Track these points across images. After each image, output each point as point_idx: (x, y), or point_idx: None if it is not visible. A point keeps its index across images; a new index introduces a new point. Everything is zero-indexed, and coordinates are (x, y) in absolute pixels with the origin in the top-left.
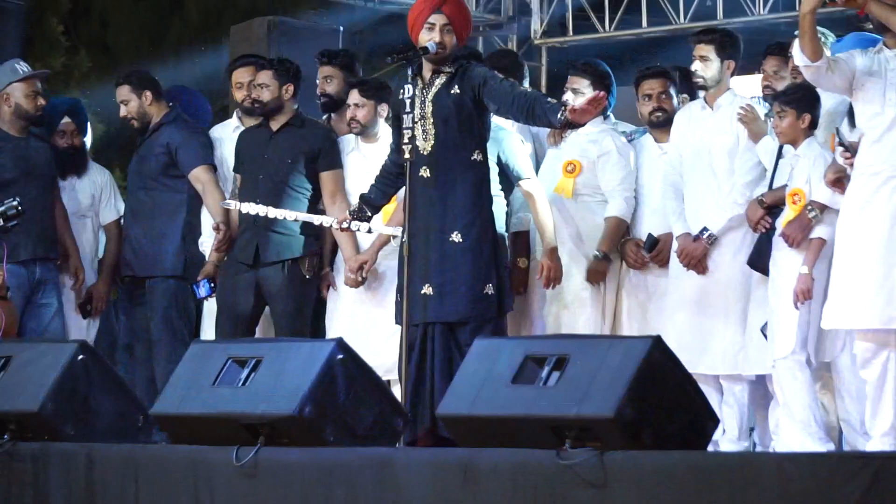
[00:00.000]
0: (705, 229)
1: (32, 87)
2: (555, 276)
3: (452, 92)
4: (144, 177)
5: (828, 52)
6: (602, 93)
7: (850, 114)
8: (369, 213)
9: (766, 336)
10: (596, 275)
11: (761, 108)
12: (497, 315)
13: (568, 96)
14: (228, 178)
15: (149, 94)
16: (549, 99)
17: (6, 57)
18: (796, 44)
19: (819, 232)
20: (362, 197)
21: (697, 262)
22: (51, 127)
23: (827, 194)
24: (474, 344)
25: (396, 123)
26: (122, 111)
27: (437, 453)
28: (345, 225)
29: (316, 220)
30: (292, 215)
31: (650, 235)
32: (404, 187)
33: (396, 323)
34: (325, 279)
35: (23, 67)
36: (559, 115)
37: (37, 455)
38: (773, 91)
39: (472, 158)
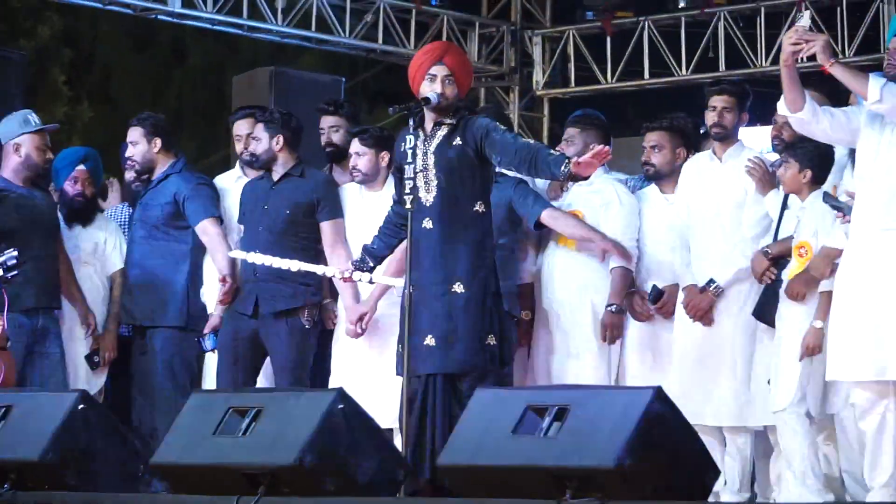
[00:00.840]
0: (712, 281)
1: (44, 140)
2: (621, 251)
3: (454, 143)
4: (148, 226)
5: (821, 107)
6: (607, 147)
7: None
8: (371, 264)
9: (652, 302)
10: (613, 328)
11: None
12: (499, 366)
13: (566, 148)
14: (232, 228)
15: (159, 141)
16: (552, 151)
17: (8, 106)
18: (781, 98)
19: (826, 286)
20: (365, 248)
21: (704, 313)
22: (52, 176)
23: (840, 240)
24: (475, 394)
25: (398, 174)
26: (128, 151)
27: None
28: (346, 275)
29: (318, 269)
30: (296, 265)
31: (654, 287)
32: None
33: (397, 374)
34: (328, 315)
35: (35, 119)
36: (563, 168)
37: None
38: (782, 140)
39: (475, 210)
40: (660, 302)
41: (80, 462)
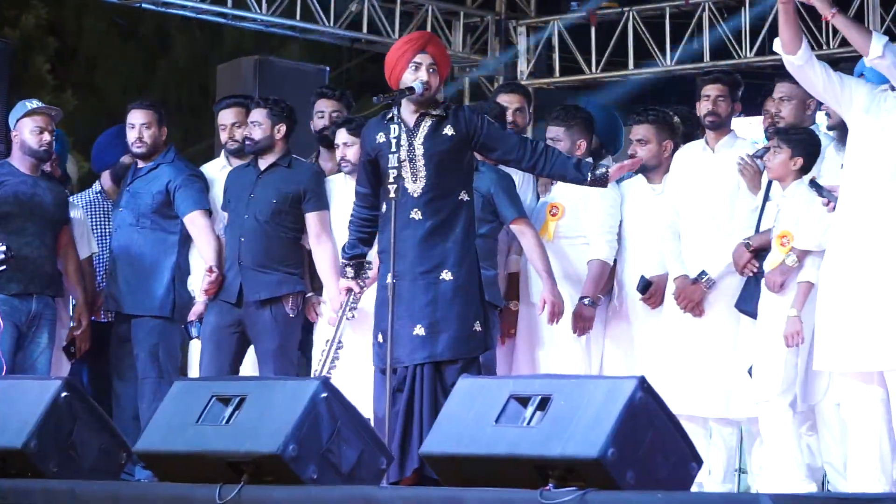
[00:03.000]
0: (704, 273)
1: (38, 123)
2: (558, 311)
3: (445, 133)
4: (136, 213)
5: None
6: (640, 159)
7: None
8: (367, 264)
9: (640, 292)
10: (582, 320)
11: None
12: (483, 351)
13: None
14: (217, 216)
15: (165, 130)
16: (571, 156)
17: None
18: (777, 37)
19: (805, 276)
20: (354, 256)
21: (695, 305)
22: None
23: (812, 240)
24: (458, 383)
25: (371, 167)
26: (137, 133)
27: (421, 492)
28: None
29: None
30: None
31: (643, 277)
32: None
33: (375, 364)
34: (310, 307)
35: (34, 104)
36: (593, 172)
37: (20, 492)
38: (776, 121)
39: (460, 198)
40: (648, 292)
41: (62, 450)
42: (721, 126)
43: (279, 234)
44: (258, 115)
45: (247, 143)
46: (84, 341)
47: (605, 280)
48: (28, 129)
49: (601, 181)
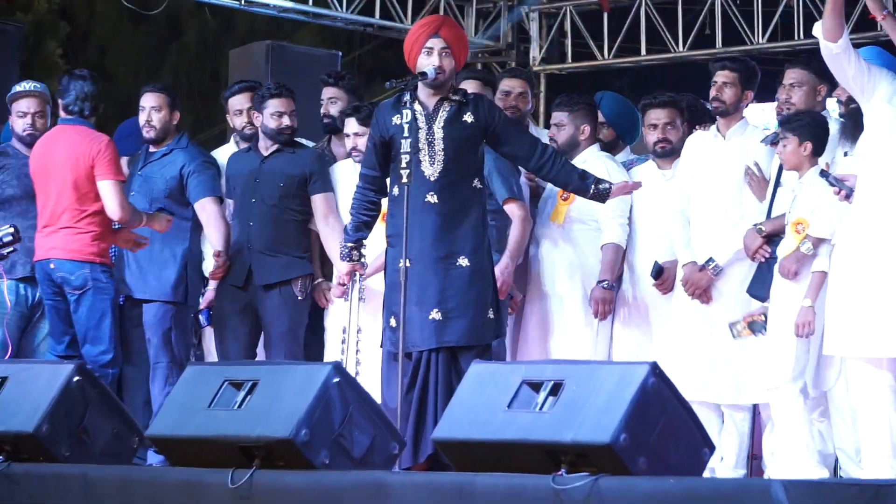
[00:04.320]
0: (711, 260)
1: (20, 107)
2: (505, 289)
3: (466, 120)
4: (149, 198)
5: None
6: (640, 182)
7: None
8: (360, 252)
9: (732, 333)
10: (602, 303)
11: (765, 163)
12: (495, 338)
13: (556, 133)
14: (228, 202)
15: (177, 115)
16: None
17: (4, 78)
18: (819, 22)
19: (819, 265)
20: (358, 241)
21: (702, 291)
22: None
23: (828, 228)
24: (470, 369)
25: (383, 149)
26: (147, 116)
27: (433, 477)
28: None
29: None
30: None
31: (656, 263)
32: (385, 213)
33: (382, 347)
34: (320, 293)
35: (22, 86)
36: (596, 187)
37: (32, 476)
38: (787, 107)
39: (474, 186)
40: (660, 278)
41: (74, 434)
42: (727, 113)
43: (287, 218)
44: (288, 104)
45: (285, 131)
46: None
47: (620, 263)
48: (14, 113)
49: (602, 196)
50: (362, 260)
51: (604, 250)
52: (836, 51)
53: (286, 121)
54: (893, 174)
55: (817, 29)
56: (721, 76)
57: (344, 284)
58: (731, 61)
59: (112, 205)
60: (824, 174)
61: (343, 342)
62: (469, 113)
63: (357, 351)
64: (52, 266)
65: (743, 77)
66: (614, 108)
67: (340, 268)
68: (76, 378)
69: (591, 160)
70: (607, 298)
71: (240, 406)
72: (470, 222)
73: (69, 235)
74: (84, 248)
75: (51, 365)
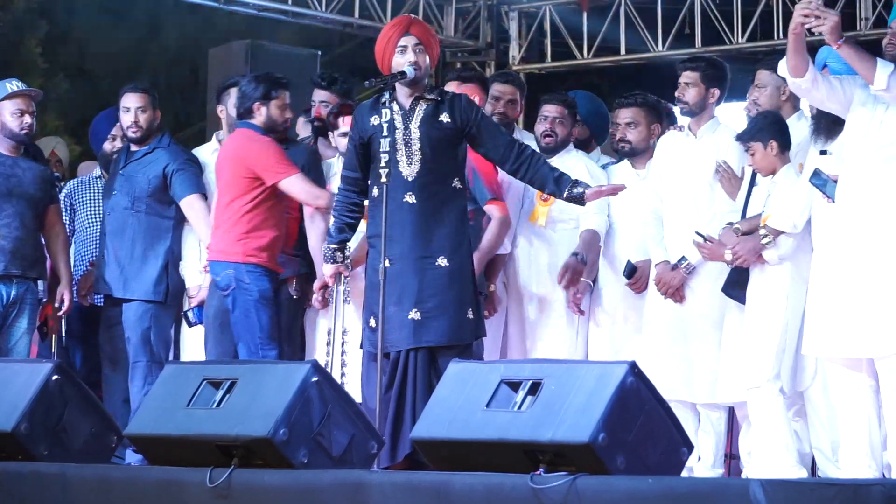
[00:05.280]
0: (684, 258)
1: (19, 105)
2: None
3: (442, 119)
4: (132, 197)
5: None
6: (623, 186)
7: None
8: (344, 255)
9: (626, 277)
10: (573, 273)
11: (737, 161)
12: (475, 338)
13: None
14: (213, 200)
15: (158, 114)
16: (553, 167)
17: None
18: (783, 60)
19: (768, 256)
20: (341, 241)
21: (675, 290)
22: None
23: (787, 221)
24: (449, 368)
25: (361, 150)
26: (133, 116)
27: (411, 477)
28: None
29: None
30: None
31: (629, 262)
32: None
33: (360, 347)
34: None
35: (14, 85)
36: (570, 190)
37: (10, 475)
38: (756, 107)
39: (453, 185)
40: (633, 278)
41: (53, 433)
42: (692, 113)
43: (276, 212)
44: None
45: (285, 125)
46: (59, 322)
47: (598, 249)
48: (9, 112)
49: (577, 200)
50: (346, 262)
51: (582, 234)
52: (805, 85)
53: (287, 114)
54: (871, 176)
55: (782, 68)
56: (684, 77)
57: (328, 286)
58: (693, 61)
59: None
60: (815, 177)
61: (328, 343)
62: (445, 113)
63: (343, 353)
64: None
65: (705, 76)
66: (588, 107)
67: (325, 270)
68: (54, 377)
69: (568, 158)
70: (578, 269)
71: (218, 405)
72: (449, 222)
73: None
74: (229, 247)
75: (29, 364)
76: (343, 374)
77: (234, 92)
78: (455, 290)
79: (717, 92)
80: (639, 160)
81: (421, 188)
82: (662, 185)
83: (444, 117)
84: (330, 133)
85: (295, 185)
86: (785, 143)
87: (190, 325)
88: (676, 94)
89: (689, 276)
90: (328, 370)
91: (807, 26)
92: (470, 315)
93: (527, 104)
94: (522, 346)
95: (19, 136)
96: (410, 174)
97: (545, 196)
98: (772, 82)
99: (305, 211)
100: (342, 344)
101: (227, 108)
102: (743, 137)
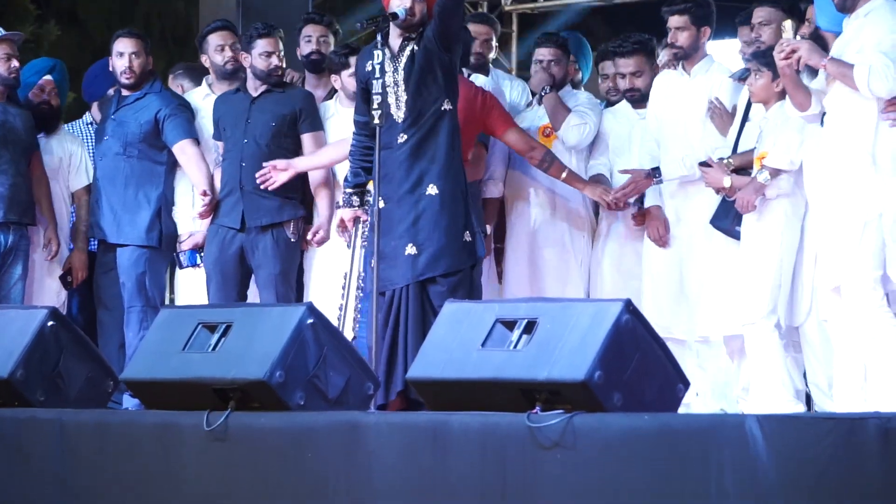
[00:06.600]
0: (657, 170)
1: (5, 50)
2: None
3: (415, 53)
4: (123, 142)
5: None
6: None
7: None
8: (359, 199)
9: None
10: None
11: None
12: (473, 262)
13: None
14: (206, 146)
15: (150, 59)
16: None
17: None
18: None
19: (769, 194)
20: (357, 185)
21: (637, 193)
22: (26, 90)
23: (784, 158)
24: (444, 308)
25: (364, 93)
26: (127, 61)
27: (407, 417)
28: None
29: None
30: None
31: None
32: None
33: (366, 289)
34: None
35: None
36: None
37: (7, 421)
38: (757, 44)
39: (442, 109)
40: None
41: (49, 379)
42: (686, 56)
43: (279, 157)
44: (276, 44)
45: (275, 71)
46: (82, 269)
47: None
48: None
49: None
50: (364, 206)
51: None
52: (814, 112)
53: (275, 61)
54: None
55: (790, 108)
56: (673, 21)
57: (346, 229)
58: (678, 4)
59: None
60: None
61: (343, 287)
62: (414, 44)
63: (358, 294)
64: None
65: (695, 17)
66: (577, 46)
67: (343, 214)
68: (50, 323)
69: (571, 99)
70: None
71: (214, 349)
72: (437, 148)
73: None
74: None
75: (24, 310)
76: (356, 319)
77: (211, 39)
78: (448, 217)
79: (707, 30)
80: (641, 102)
81: (411, 125)
82: (657, 124)
83: (415, 47)
84: (336, 76)
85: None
86: None
87: (181, 267)
88: (668, 39)
89: (686, 211)
90: (343, 314)
91: (792, 66)
92: (467, 237)
93: (520, 43)
94: (524, 287)
95: (8, 81)
96: (400, 116)
97: (547, 131)
98: (776, 18)
99: (306, 151)
100: (357, 288)
101: (210, 55)
102: (757, 58)
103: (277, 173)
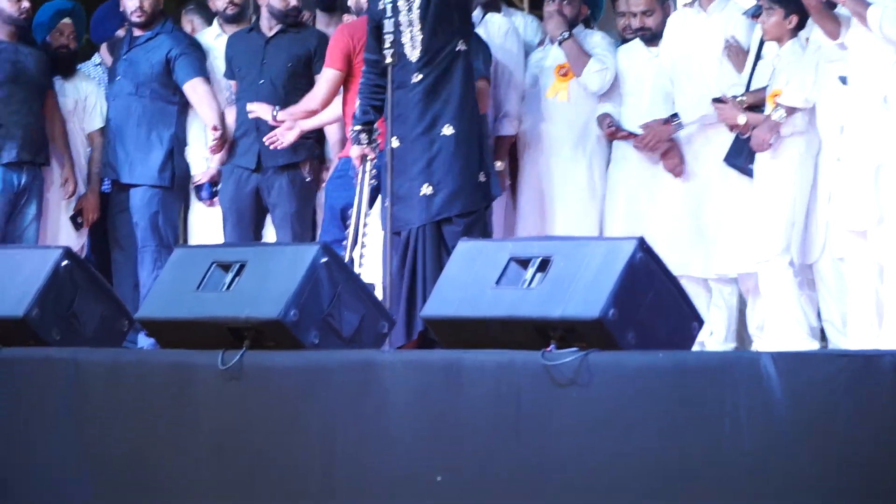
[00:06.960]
0: (676, 115)
1: None
2: None
3: None
4: (136, 82)
5: None
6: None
7: None
8: (375, 130)
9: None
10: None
11: (745, 37)
12: (489, 201)
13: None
14: (218, 86)
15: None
16: None
17: None
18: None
19: (784, 132)
20: (366, 123)
21: (661, 143)
22: (45, 32)
23: (799, 96)
24: (458, 246)
25: (377, 33)
26: (138, 1)
27: (422, 355)
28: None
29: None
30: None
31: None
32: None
33: (382, 228)
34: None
35: None
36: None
37: (22, 360)
38: None
39: (458, 49)
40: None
41: (64, 319)
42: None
43: (295, 98)
44: None
45: (293, 13)
46: (93, 211)
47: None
48: None
49: None
50: (372, 145)
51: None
52: (842, 40)
53: (293, 1)
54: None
55: (821, 34)
56: None
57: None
58: None
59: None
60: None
61: (349, 224)
62: None
63: (364, 234)
64: None
65: None
66: None
67: (351, 152)
68: (64, 262)
69: (586, 40)
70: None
71: (228, 288)
72: (452, 88)
73: None
74: None
75: (38, 250)
76: (362, 256)
77: None
78: (463, 157)
79: None
80: (654, 41)
81: (425, 65)
82: (672, 62)
83: None
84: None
85: None
86: (802, 24)
87: (200, 199)
88: None
89: (701, 149)
90: (351, 250)
91: None
92: (482, 178)
93: None
94: (538, 223)
95: (19, 21)
96: (415, 56)
97: (563, 70)
98: None
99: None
100: (364, 226)
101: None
102: None
103: (284, 133)
